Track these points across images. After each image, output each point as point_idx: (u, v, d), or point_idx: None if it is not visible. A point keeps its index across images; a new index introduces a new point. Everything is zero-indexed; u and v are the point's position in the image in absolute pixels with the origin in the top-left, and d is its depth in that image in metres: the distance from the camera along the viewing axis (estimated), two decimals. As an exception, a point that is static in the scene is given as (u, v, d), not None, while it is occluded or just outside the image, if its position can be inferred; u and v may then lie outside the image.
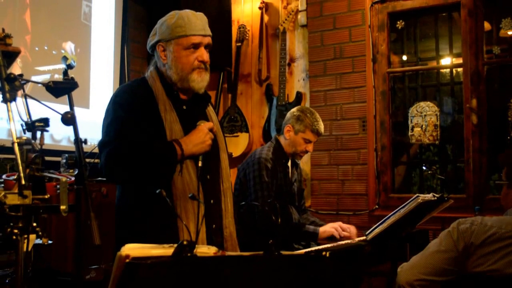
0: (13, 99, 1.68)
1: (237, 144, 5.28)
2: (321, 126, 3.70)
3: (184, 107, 2.50)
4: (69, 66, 1.97)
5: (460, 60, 4.64)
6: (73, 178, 3.29)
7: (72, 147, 4.29)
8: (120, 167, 2.34)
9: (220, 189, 2.55)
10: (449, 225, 2.44)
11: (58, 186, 3.18)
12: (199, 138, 2.40)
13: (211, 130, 2.45)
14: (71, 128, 1.85)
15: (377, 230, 3.26)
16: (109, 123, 2.41)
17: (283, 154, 3.75)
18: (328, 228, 3.59)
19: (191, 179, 2.38)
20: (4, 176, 3.22)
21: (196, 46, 2.46)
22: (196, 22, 2.47)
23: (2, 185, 3.14)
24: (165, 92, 2.47)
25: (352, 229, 3.67)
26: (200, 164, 2.39)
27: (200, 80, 2.49)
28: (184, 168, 2.38)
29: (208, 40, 2.50)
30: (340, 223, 3.67)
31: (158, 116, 2.40)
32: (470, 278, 2.35)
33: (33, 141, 1.73)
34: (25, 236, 1.60)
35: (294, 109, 3.79)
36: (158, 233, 2.33)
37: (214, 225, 2.48)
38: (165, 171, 2.36)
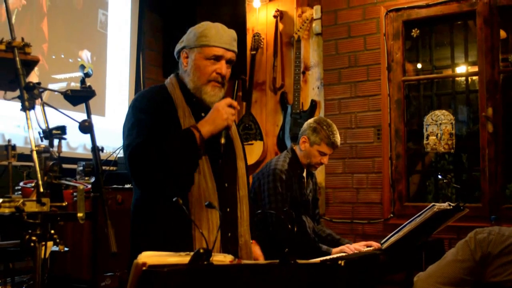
0: (32, 107, 1.70)
1: (251, 152, 5.28)
2: (337, 139, 3.61)
3: (203, 114, 2.50)
4: (87, 75, 1.98)
5: (475, 69, 4.62)
6: (89, 186, 3.32)
7: (87, 154, 4.35)
8: (143, 164, 2.29)
9: (236, 197, 2.54)
10: (465, 234, 2.43)
11: (75, 194, 3.20)
12: (213, 116, 2.37)
13: (230, 106, 2.43)
14: (87, 136, 1.85)
15: (392, 239, 3.25)
16: (130, 127, 2.39)
17: (298, 165, 3.70)
18: (345, 248, 3.48)
19: (207, 186, 2.37)
20: (21, 184, 3.25)
21: (217, 58, 2.45)
22: (223, 35, 2.47)
23: (19, 192, 3.16)
24: (184, 99, 2.47)
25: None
26: (223, 141, 2.37)
27: (213, 95, 2.47)
28: (202, 176, 2.37)
29: (231, 55, 2.49)
30: (355, 246, 3.50)
31: (177, 121, 2.39)
32: (487, 288, 2.33)
33: (51, 149, 1.74)
34: (43, 243, 1.61)
35: (311, 120, 3.72)
36: (173, 241, 2.33)
37: (229, 234, 2.47)
38: (188, 161, 2.35)
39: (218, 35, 2.46)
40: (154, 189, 2.38)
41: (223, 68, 2.46)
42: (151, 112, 2.39)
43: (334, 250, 3.49)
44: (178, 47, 2.57)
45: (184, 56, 2.51)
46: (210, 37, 2.45)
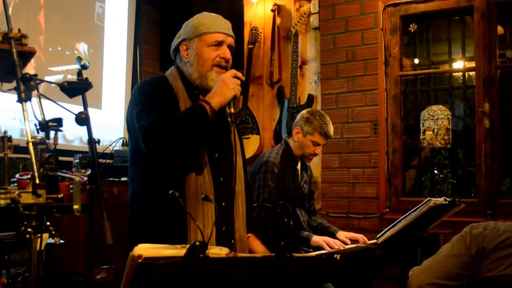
0: (28, 99, 1.69)
1: (248, 146, 5.27)
2: (330, 129, 3.66)
3: None
4: (83, 67, 1.98)
5: (472, 64, 4.62)
6: (85, 178, 3.31)
7: (83, 147, 4.35)
8: (160, 137, 2.27)
9: (233, 192, 2.54)
10: (460, 229, 2.44)
11: (71, 186, 3.19)
12: (219, 87, 2.36)
13: (236, 77, 2.39)
14: (83, 128, 1.85)
15: (388, 234, 3.26)
16: (139, 111, 2.37)
17: (292, 157, 3.73)
18: (321, 241, 3.44)
19: (204, 180, 2.38)
20: (17, 176, 3.24)
21: (219, 44, 2.47)
22: (221, 22, 2.51)
23: (15, 184, 3.16)
24: (185, 90, 2.48)
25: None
26: (232, 111, 2.36)
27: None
28: (199, 170, 2.37)
29: (230, 40, 2.52)
30: (336, 241, 3.47)
31: (179, 112, 2.39)
32: (482, 282, 2.34)
33: (47, 141, 1.74)
34: (39, 235, 1.60)
35: (304, 111, 3.77)
36: (168, 233, 2.33)
37: (224, 228, 2.48)
38: (202, 134, 2.34)
39: (216, 22, 2.50)
40: (170, 164, 2.37)
41: (226, 52, 2.48)
42: (157, 97, 2.40)
43: (314, 238, 3.46)
44: (175, 42, 2.57)
45: (184, 48, 2.52)
46: (209, 25, 2.48)
